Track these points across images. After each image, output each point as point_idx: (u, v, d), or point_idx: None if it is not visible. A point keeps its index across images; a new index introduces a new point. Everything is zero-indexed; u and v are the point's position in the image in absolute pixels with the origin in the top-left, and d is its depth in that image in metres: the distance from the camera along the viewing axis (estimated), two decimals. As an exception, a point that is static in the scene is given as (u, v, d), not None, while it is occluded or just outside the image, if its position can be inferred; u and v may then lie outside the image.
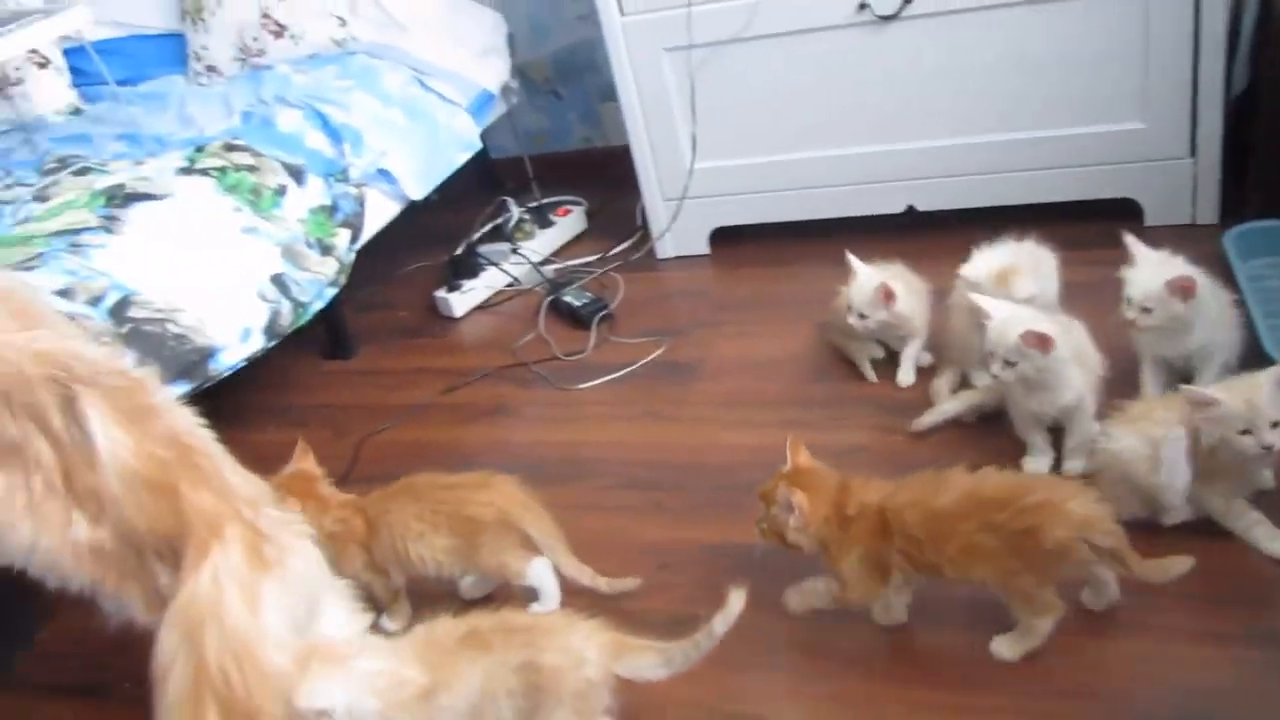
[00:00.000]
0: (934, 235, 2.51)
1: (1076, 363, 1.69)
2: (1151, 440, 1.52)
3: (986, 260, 1.92)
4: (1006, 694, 1.39)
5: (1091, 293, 2.15)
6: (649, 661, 1.36)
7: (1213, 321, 1.73)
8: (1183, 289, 1.67)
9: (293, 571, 1.37)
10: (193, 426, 1.38)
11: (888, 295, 1.97)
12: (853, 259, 2.04)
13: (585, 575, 1.69)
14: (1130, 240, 1.75)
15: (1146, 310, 1.70)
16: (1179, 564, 1.38)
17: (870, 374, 2.10)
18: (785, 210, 2.64)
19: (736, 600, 1.33)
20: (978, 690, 1.41)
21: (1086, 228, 2.37)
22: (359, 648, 1.36)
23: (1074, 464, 1.72)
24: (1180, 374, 1.78)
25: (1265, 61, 2.12)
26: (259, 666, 1.27)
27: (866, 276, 2.01)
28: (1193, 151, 2.27)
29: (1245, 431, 1.42)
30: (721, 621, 1.33)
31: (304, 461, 1.72)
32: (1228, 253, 2.06)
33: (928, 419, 1.90)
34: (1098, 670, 1.40)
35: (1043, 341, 1.61)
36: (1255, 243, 2.10)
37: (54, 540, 1.30)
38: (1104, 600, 1.46)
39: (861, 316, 2.00)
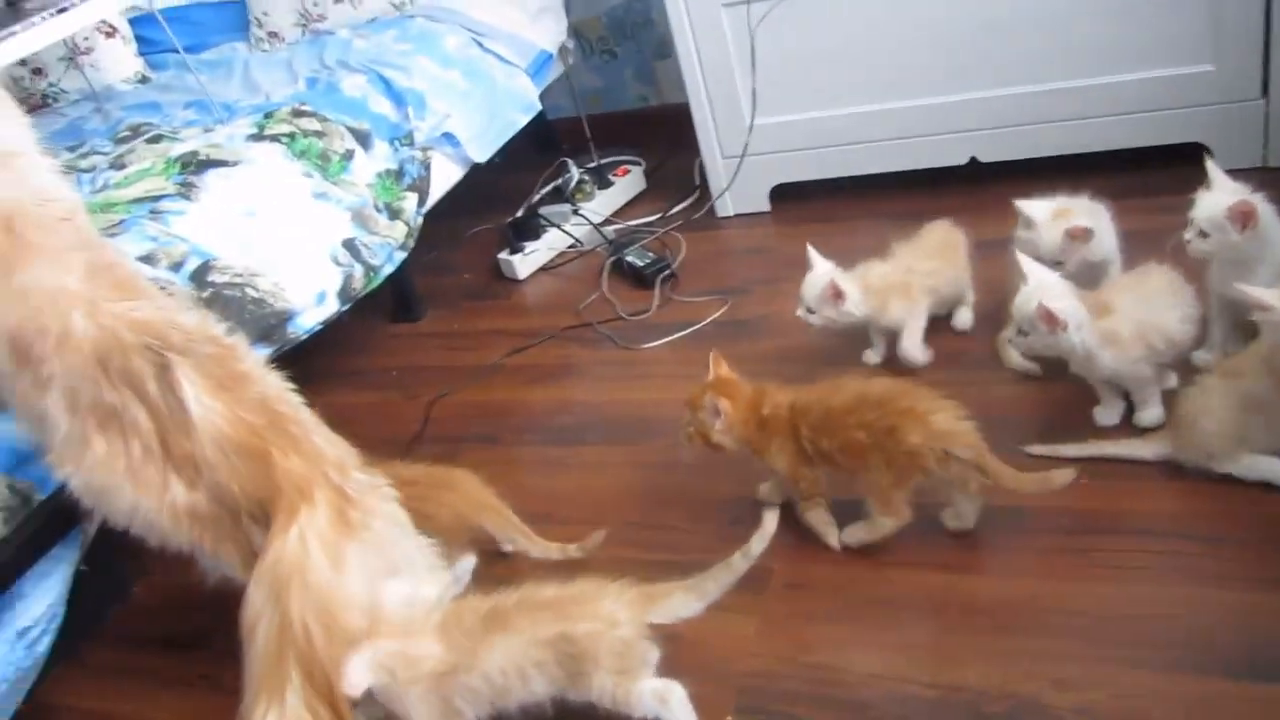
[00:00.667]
0: (996, 187, 2.48)
1: (1139, 330, 1.64)
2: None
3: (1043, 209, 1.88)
4: (1079, 640, 1.41)
5: (1157, 241, 2.14)
6: (680, 601, 1.40)
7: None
8: (1243, 214, 1.60)
9: (376, 534, 1.42)
10: (282, 392, 1.43)
11: (836, 294, 1.91)
12: (812, 251, 1.99)
13: (554, 550, 1.73)
14: (1211, 165, 1.70)
15: (1204, 235, 1.66)
16: (1061, 476, 1.50)
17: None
18: (846, 165, 2.63)
19: (770, 520, 1.37)
20: (1049, 636, 1.42)
21: (1153, 175, 2.35)
22: (417, 621, 1.40)
23: (1144, 415, 1.71)
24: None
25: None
26: (339, 626, 1.33)
27: (819, 271, 1.96)
28: (1265, 92, 2.22)
29: None
30: (759, 540, 1.38)
31: None
32: (1303, 197, 2.02)
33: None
34: (1171, 619, 1.41)
35: (1050, 319, 1.59)
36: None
37: (153, 502, 1.36)
38: (963, 522, 1.59)
39: (809, 311, 1.96)
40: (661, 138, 3.14)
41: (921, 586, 1.56)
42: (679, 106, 2.73)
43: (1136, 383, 1.70)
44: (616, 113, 3.44)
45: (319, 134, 2.25)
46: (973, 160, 2.50)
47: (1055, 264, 1.75)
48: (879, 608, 1.55)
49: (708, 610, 1.53)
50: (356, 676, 1.32)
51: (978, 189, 2.50)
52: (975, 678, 1.39)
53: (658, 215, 2.85)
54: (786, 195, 2.72)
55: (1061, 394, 1.82)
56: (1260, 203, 1.64)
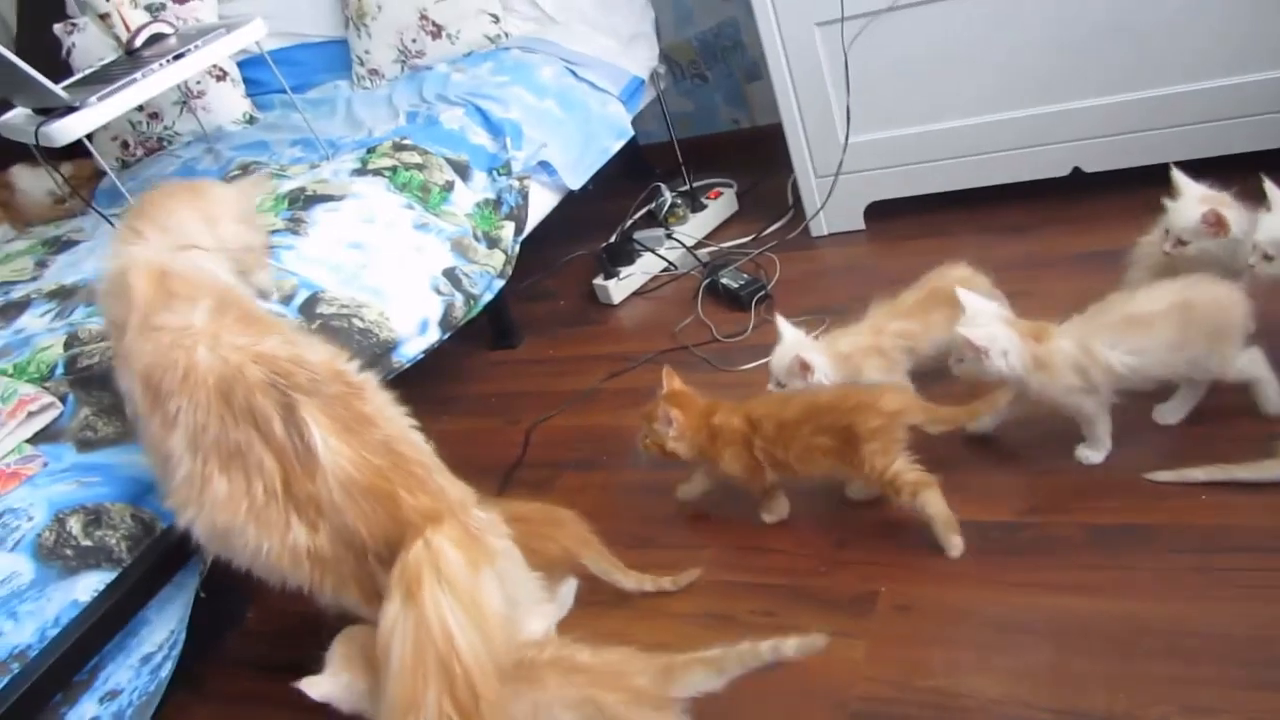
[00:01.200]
0: (1100, 198, 2.42)
1: (1073, 360, 1.63)
2: None
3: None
4: (1207, 662, 1.35)
5: None
6: (701, 676, 1.36)
7: None
8: (1215, 223, 1.66)
9: (501, 568, 1.42)
10: (405, 431, 1.43)
11: (804, 367, 1.83)
12: (781, 321, 1.95)
13: (647, 582, 1.75)
14: (1269, 185, 1.64)
15: (1182, 243, 1.71)
16: (985, 405, 1.68)
17: None
18: (944, 180, 2.59)
19: (818, 640, 1.33)
20: (1176, 659, 1.36)
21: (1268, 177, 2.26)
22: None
23: (1083, 451, 1.72)
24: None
25: None
26: (484, 620, 1.30)
27: (786, 344, 1.90)
28: (1392, 94, 2.13)
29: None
30: (794, 648, 1.33)
31: None
32: None
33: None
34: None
35: (973, 349, 1.63)
36: None
37: (275, 544, 1.36)
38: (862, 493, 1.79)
39: (779, 385, 1.89)
40: (753, 160, 3.14)
41: (1037, 608, 1.51)
42: (770, 128, 2.73)
43: (1076, 414, 1.69)
44: (708, 136, 3.45)
45: (420, 166, 2.30)
46: (1075, 171, 2.44)
47: (1179, 243, 1.72)
48: (992, 630, 1.50)
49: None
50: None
51: (1083, 199, 2.44)
52: (1101, 704, 1.34)
53: (751, 237, 2.84)
54: (882, 213, 2.69)
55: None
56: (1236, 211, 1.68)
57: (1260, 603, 1.40)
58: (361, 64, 2.99)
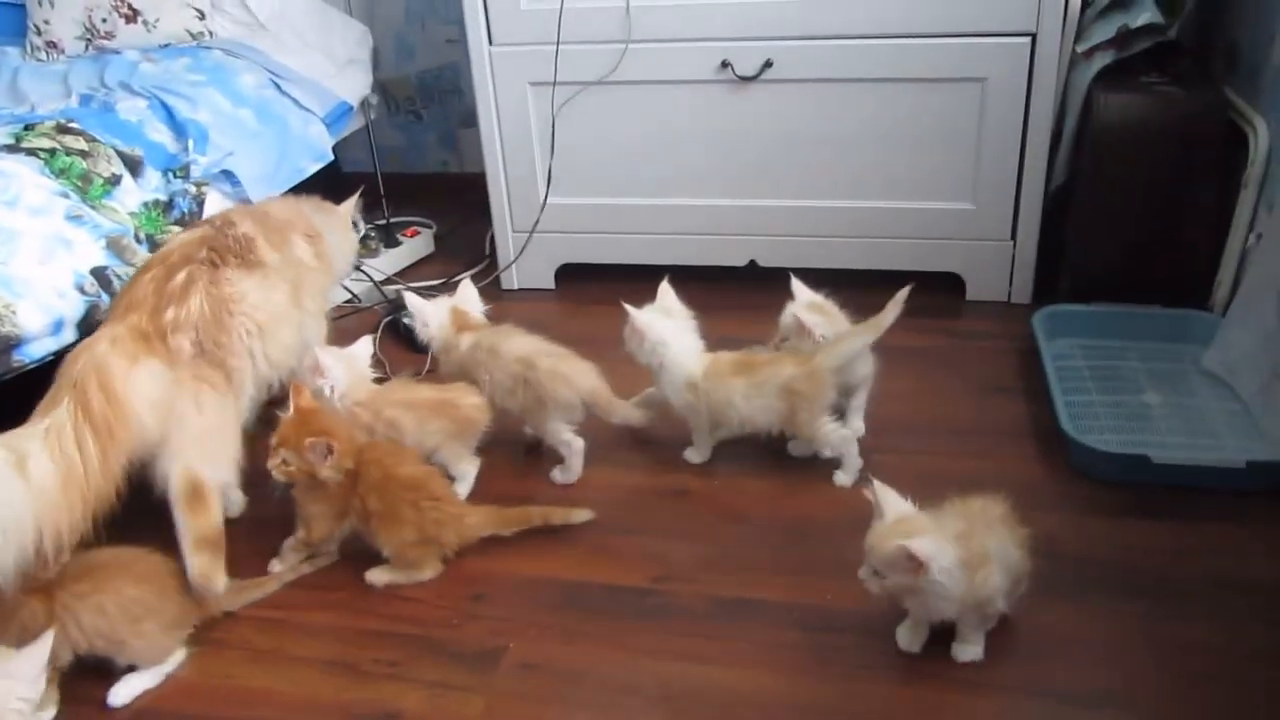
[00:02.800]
0: (774, 291, 2.59)
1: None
2: None
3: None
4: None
5: (908, 357, 2.30)
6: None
7: None
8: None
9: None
10: None
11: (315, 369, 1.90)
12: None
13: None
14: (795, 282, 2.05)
15: (785, 339, 2.03)
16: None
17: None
18: (632, 254, 2.69)
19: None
20: (772, 734, 1.44)
21: (915, 295, 2.51)
22: None
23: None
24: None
25: (1082, 161, 2.29)
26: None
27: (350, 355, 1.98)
28: (1013, 235, 2.43)
29: None
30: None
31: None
32: (1036, 332, 2.21)
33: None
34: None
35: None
36: (1060, 324, 2.26)
37: None
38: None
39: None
40: (458, 205, 3.13)
41: (653, 673, 1.55)
42: (477, 176, 2.74)
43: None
44: (415, 174, 3.41)
45: (84, 154, 2.11)
46: (752, 263, 2.61)
47: (783, 340, 2.01)
48: (609, 692, 1.53)
49: (432, 689, 1.51)
50: None
51: (758, 291, 2.60)
52: (694, 770, 1.40)
53: (442, 280, 2.82)
54: (572, 275, 2.75)
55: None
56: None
57: (844, 682, 1.51)
58: (39, 33, 2.72)
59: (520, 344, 2.02)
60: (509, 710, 1.51)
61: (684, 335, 1.99)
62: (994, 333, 2.39)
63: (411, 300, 2.08)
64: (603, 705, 1.51)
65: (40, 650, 1.39)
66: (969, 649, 1.52)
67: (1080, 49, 2.29)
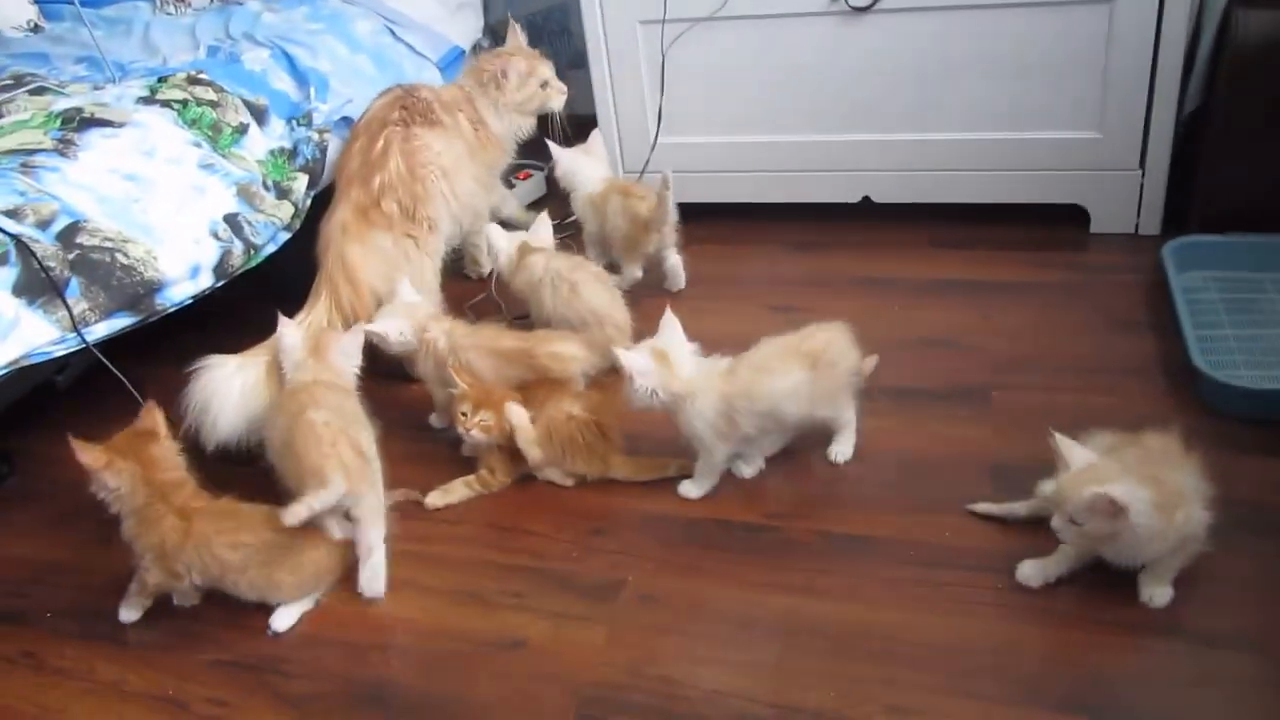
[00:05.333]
0: (887, 227, 2.56)
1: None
2: None
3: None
4: (917, 668, 1.44)
5: (1029, 292, 2.24)
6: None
7: None
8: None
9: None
10: None
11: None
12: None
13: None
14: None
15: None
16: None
17: None
18: (745, 191, 2.67)
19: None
20: (890, 663, 1.45)
21: (1035, 229, 2.44)
22: None
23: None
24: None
25: (1218, 84, 2.18)
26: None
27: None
28: (1142, 164, 2.33)
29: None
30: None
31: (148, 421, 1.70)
32: (1165, 264, 2.13)
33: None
34: (1009, 653, 1.45)
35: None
36: (1192, 256, 2.17)
37: None
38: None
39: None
40: (569, 146, 3.13)
41: (774, 607, 1.58)
42: (588, 118, 2.74)
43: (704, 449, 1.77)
44: (526, 117, 3.41)
45: (213, 104, 2.19)
46: (866, 199, 2.57)
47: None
48: (727, 625, 1.56)
49: (555, 618, 1.57)
50: None
51: (871, 227, 2.57)
52: (814, 700, 1.42)
53: (556, 221, 2.83)
54: (686, 214, 2.73)
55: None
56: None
57: (963, 617, 1.51)
58: (167, -12, 2.82)
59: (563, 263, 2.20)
60: (630, 640, 1.55)
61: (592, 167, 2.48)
62: (1120, 266, 2.30)
63: (490, 230, 2.27)
64: (721, 637, 1.54)
65: (358, 335, 1.93)
66: (1162, 591, 1.48)
67: (1218, -36, 2.17)
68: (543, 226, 2.29)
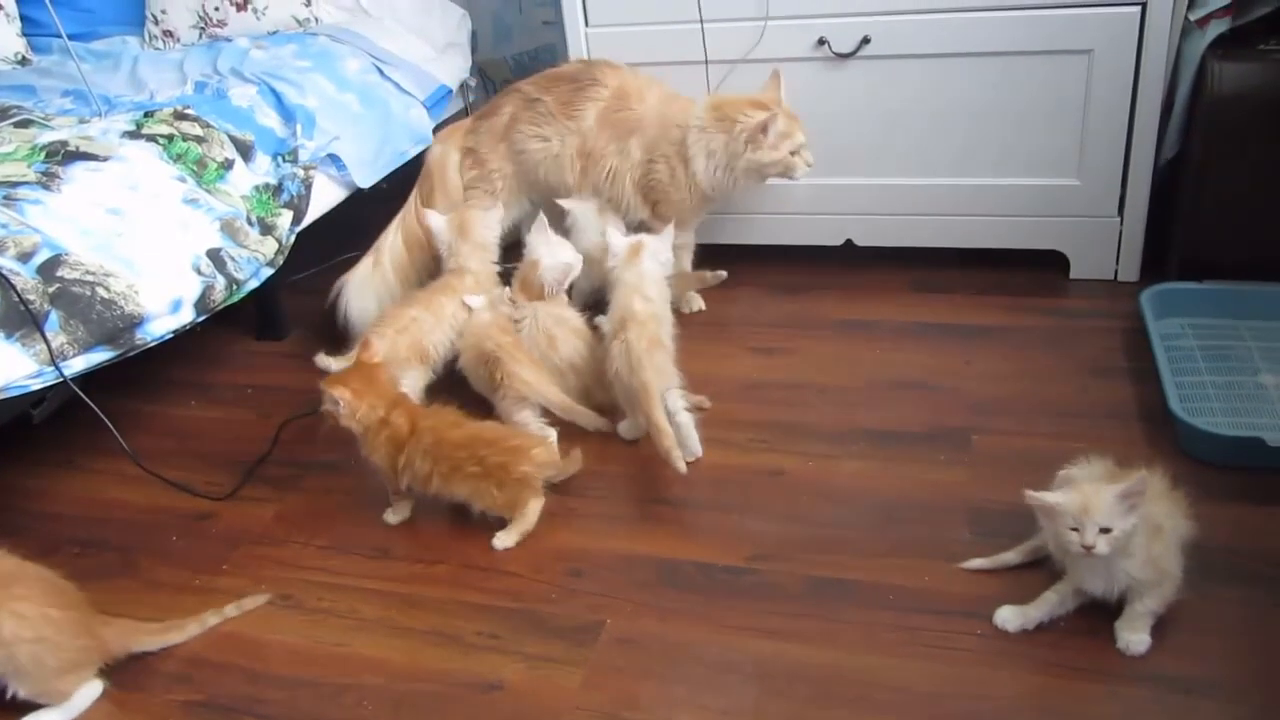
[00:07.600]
0: (870, 270, 2.58)
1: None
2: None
3: None
4: (894, 714, 1.43)
5: (1009, 337, 2.26)
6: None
7: None
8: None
9: None
10: None
11: None
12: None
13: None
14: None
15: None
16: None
17: None
18: (728, 233, 2.68)
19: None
20: (868, 710, 1.45)
21: (1015, 274, 2.47)
22: None
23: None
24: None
25: (1195, 134, 2.21)
26: None
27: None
28: (1120, 211, 2.36)
29: (1074, 529, 1.44)
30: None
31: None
32: (1144, 310, 2.15)
33: None
34: (979, 699, 1.45)
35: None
36: (1170, 303, 2.19)
37: None
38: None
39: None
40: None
41: (752, 651, 1.57)
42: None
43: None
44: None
45: (199, 139, 2.20)
46: (848, 242, 2.58)
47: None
48: (705, 669, 1.55)
49: (532, 661, 1.56)
50: None
51: (854, 270, 2.59)
52: (790, 747, 1.41)
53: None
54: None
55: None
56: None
57: (941, 663, 1.51)
58: (156, 23, 2.83)
59: None
60: (607, 684, 1.54)
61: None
62: (1099, 312, 2.32)
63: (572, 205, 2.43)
64: (699, 681, 1.53)
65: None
66: (1139, 639, 1.48)
67: (1193, 17, 2.20)
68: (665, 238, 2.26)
